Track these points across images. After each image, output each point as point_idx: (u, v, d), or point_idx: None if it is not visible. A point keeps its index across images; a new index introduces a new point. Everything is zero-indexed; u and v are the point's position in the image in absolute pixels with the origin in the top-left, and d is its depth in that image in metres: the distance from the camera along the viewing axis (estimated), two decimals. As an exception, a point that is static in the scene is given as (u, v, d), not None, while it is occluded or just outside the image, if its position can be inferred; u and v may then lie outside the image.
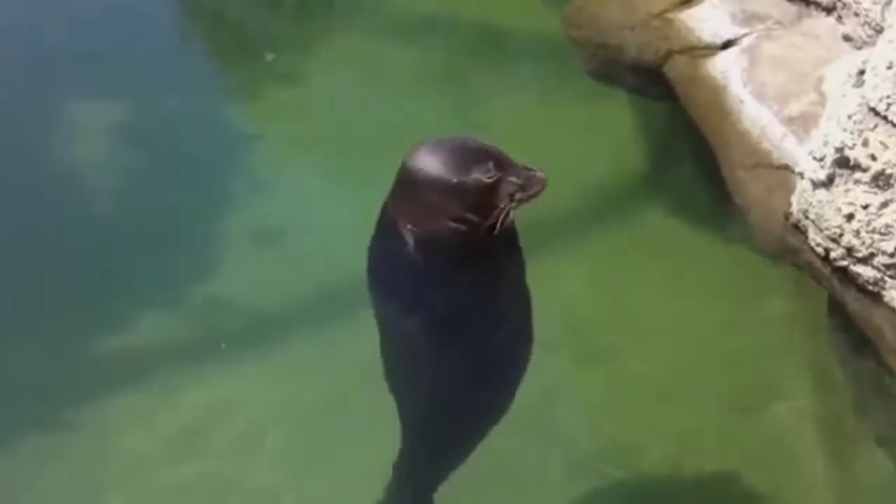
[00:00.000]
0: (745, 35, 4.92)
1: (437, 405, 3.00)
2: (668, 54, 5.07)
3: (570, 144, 4.99)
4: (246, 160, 4.98)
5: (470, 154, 2.70)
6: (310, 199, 4.83)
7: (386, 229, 2.79)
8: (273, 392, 4.06)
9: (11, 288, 4.37)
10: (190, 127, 5.17)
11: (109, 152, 5.00)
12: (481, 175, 2.66)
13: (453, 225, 2.68)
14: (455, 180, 2.66)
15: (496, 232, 2.70)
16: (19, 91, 5.27)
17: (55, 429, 3.91)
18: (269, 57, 5.60)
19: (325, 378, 4.00)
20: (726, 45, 4.91)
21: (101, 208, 4.75)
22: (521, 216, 2.76)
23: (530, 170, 2.71)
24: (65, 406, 3.97)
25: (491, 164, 2.67)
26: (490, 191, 2.67)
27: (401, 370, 3.01)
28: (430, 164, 2.68)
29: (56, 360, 4.12)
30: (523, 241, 2.85)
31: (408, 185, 2.72)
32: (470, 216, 2.68)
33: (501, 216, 2.68)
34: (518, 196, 2.69)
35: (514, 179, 2.68)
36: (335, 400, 3.91)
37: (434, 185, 2.67)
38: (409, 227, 2.71)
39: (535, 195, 2.71)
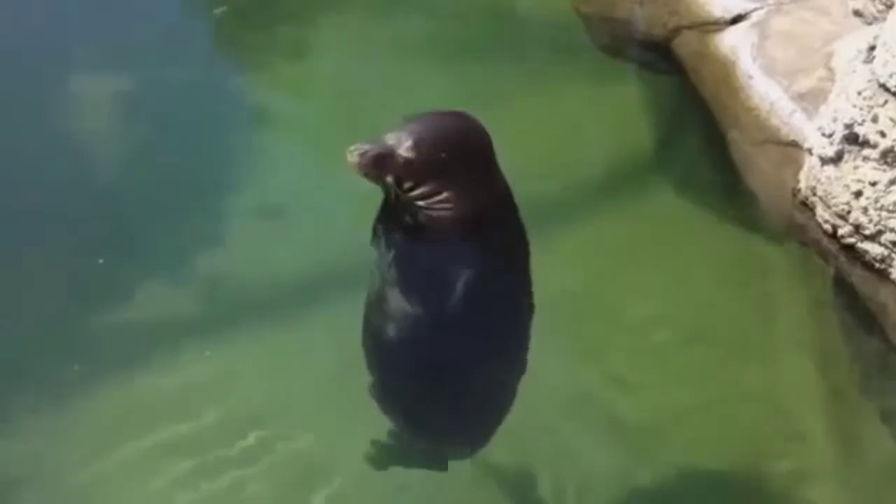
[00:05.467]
0: (754, 10, 4.90)
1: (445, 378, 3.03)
2: (678, 29, 5.05)
3: (578, 119, 4.98)
4: (250, 134, 4.96)
5: None
6: (312, 174, 4.82)
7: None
8: (275, 366, 4.07)
9: (14, 259, 4.37)
10: (194, 99, 5.14)
11: (112, 124, 4.98)
12: None
13: None
14: None
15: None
16: (23, 62, 5.26)
17: (56, 401, 3.91)
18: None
19: (326, 354, 4.00)
20: (736, 19, 4.89)
21: (102, 180, 4.73)
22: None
23: None
24: (65, 378, 3.96)
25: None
26: None
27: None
28: None
29: (57, 332, 4.13)
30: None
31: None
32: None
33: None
34: None
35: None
36: (337, 375, 3.91)
37: None
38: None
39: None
